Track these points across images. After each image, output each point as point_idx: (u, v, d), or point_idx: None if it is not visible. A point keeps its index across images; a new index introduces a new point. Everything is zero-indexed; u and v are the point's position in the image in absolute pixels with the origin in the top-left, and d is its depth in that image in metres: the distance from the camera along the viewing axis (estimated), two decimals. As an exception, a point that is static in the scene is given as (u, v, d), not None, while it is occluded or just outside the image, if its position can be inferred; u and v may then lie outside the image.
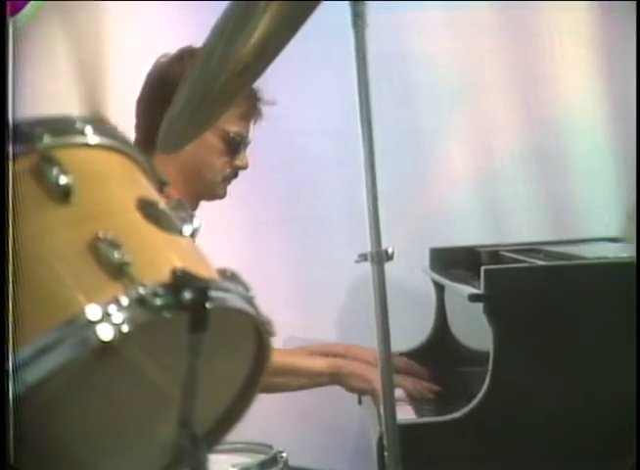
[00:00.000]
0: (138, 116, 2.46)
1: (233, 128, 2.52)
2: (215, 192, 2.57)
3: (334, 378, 2.63)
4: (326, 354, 2.80)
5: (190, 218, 1.16)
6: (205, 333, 1.04)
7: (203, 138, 2.47)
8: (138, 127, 2.45)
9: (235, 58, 1.57)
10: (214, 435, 1.23)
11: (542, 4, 3.42)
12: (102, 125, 1.14)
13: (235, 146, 2.53)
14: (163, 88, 2.34)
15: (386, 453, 1.80)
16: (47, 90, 3.09)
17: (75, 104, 3.00)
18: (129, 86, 3.28)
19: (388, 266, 1.77)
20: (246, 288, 1.13)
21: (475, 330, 2.48)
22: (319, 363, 2.66)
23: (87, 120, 1.12)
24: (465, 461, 2.27)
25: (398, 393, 2.48)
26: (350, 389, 2.64)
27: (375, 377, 2.54)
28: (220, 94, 1.61)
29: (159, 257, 1.08)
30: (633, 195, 2.97)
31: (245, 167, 2.58)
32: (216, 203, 2.59)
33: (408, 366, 2.82)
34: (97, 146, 1.12)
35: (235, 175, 2.58)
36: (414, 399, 2.56)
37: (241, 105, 2.51)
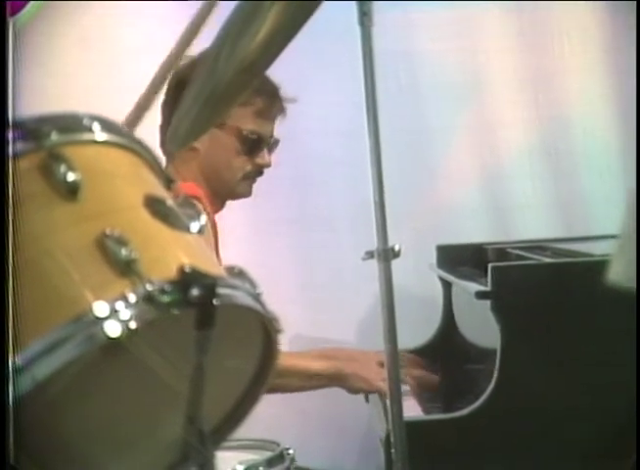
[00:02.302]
0: (163, 116, 2.47)
1: (248, 126, 2.51)
2: (236, 191, 2.56)
3: (334, 380, 2.59)
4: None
5: (197, 215, 1.16)
6: (213, 330, 1.04)
7: (218, 137, 2.48)
8: (162, 128, 2.45)
9: (241, 55, 1.58)
10: (221, 432, 1.23)
11: (550, 3, 3.41)
12: (109, 122, 1.14)
13: (251, 144, 2.53)
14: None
15: (393, 450, 1.80)
16: (47, 89, 3.10)
17: (77, 102, 3.01)
18: (136, 86, 3.29)
19: (394, 264, 1.77)
20: (253, 285, 1.14)
21: (482, 327, 2.47)
22: (320, 365, 2.63)
23: (95, 118, 1.13)
24: (472, 458, 2.27)
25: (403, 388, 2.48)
26: (352, 390, 2.60)
27: (376, 377, 2.53)
28: (226, 91, 1.61)
29: (166, 253, 1.09)
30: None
31: (267, 166, 2.57)
32: (223, 201, 2.59)
33: (414, 364, 2.82)
34: (104, 143, 1.13)
35: (259, 174, 2.57)
36: (419, 394, 2.56)
37: (256, 102, 2.51)
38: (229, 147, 2.51)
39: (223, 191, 2.56)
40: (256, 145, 2.54)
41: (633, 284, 1.04)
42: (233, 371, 1.21)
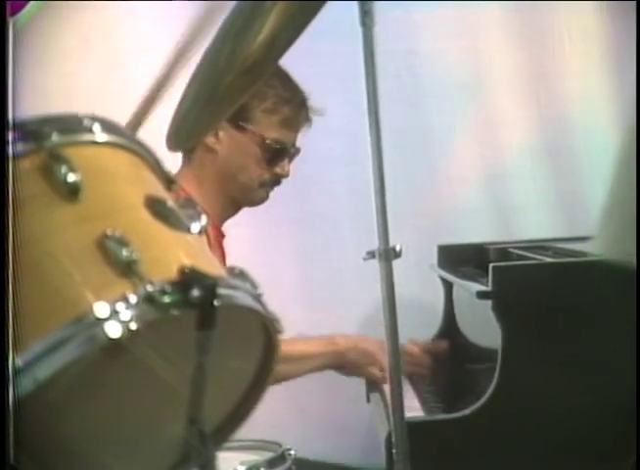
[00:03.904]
0: None
1: (271, 135, 2.48)
2: (252, 197, 2.55)
3: (333, 357, 2.57)
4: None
5: (198, 216, 1.16)
6: (214, 330, 1.04)
7: (239, 142, 2.46)
8: None
9: (242, 56, 1.58)
10: (223, 432, 1.23)
11: (551, 3, 3.41)
12: (110, 123, 1.14)
13: (273, 153, 2.50)
14: None
15: (394, 451, 1.80)
16: (48, 90, 3.10)
17: (78, 103, 3.01)
18: (137, 86, 3.28)
19: (396, 264, 1.77)
20: (254, 285, 1.13)
21: (483, 327, 2.47)
22: (315, 348, 2.60)
23: (95, 118, 1.13)
24: (474, 459, 2.27)
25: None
26: (352, 367, 2.58)
27: (375, 350, 2.50)
28: (227, 92, 1.61)
29: (167, 254, 1.09)
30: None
31: (285, 176, 2.54)
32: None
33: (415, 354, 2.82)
34: (105, 143, 1.13)
35: (276, 183, 2.55)
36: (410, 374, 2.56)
37: (283, 111, 2.49)
38: (249, 153, 2.49)
39: (238, 196, 2.53)
40: (278, 155, 2.51)
41: (623, 257, 1.02)
42: (234, 372, 1.21)
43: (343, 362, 2.59)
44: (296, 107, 2.51)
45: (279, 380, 2.44)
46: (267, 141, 2.48)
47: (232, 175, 2.50)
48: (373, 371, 2.61)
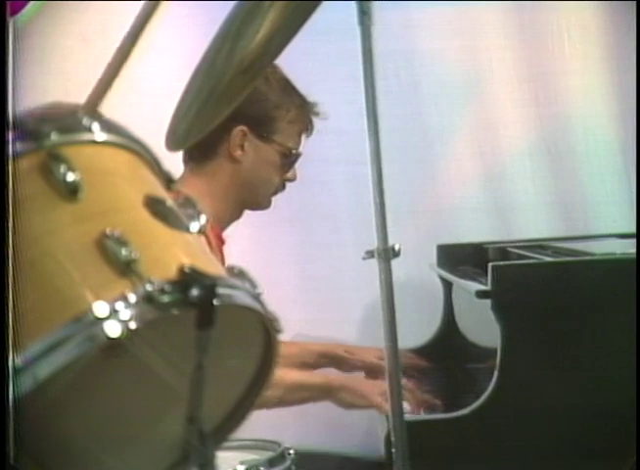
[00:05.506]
0: None
1: (292, 144, 2.52)
2: (262, 203, 2.58)
3: (324, 392, 2.51)
4: (325, 353, 2.78)
5: (197, 215, 1.16)
6: (213, 330, 1.04)
7: (265, 153, 2.48)
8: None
9: (241, 56, 1.58)
10: (222, 431, 1.23)
11: (550, 2, 3.41)
12: (109, 122, 1.14)
13: (291, 161, 2.54)
14: None
15: (393, 450, 1.80)
16: (48, 89, 3.10)
17: (78, 102, 3.01)
18: (136, 85, 3.29)
19: (395, 263, 1.77)
20: (253, 285, 1.13)
21: (482, 326, 2.47)
22: (308, 377, 2.57)
23: (94, 118, 1.13)
24: (473, 458, 2.27)
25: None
26: (343, 404, 2.51)
27: (370, 390, 2.47)
28: (226, 91, 1.61)
29: (166, 253, 1.09)
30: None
31: (293, 180, 2.58)
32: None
33: (414, 363, 2.82)
34: (104, 143, 1.13)
35: (283, 187, 2.58)
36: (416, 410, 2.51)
37: (303, 120, 2.53)
38: (272, 163, 2.51)
39: (251, 201, 2.56)
40: (294, 162, 2.55)
41: None
42: (233, 371, 1.21)
43: (334, 400, 2.51)
44: (311, 115, 2.56)
45: (271, 406, 2.41)
46: (293, 151, 2.51)
47: (254, 185, 2.52)
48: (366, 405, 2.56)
